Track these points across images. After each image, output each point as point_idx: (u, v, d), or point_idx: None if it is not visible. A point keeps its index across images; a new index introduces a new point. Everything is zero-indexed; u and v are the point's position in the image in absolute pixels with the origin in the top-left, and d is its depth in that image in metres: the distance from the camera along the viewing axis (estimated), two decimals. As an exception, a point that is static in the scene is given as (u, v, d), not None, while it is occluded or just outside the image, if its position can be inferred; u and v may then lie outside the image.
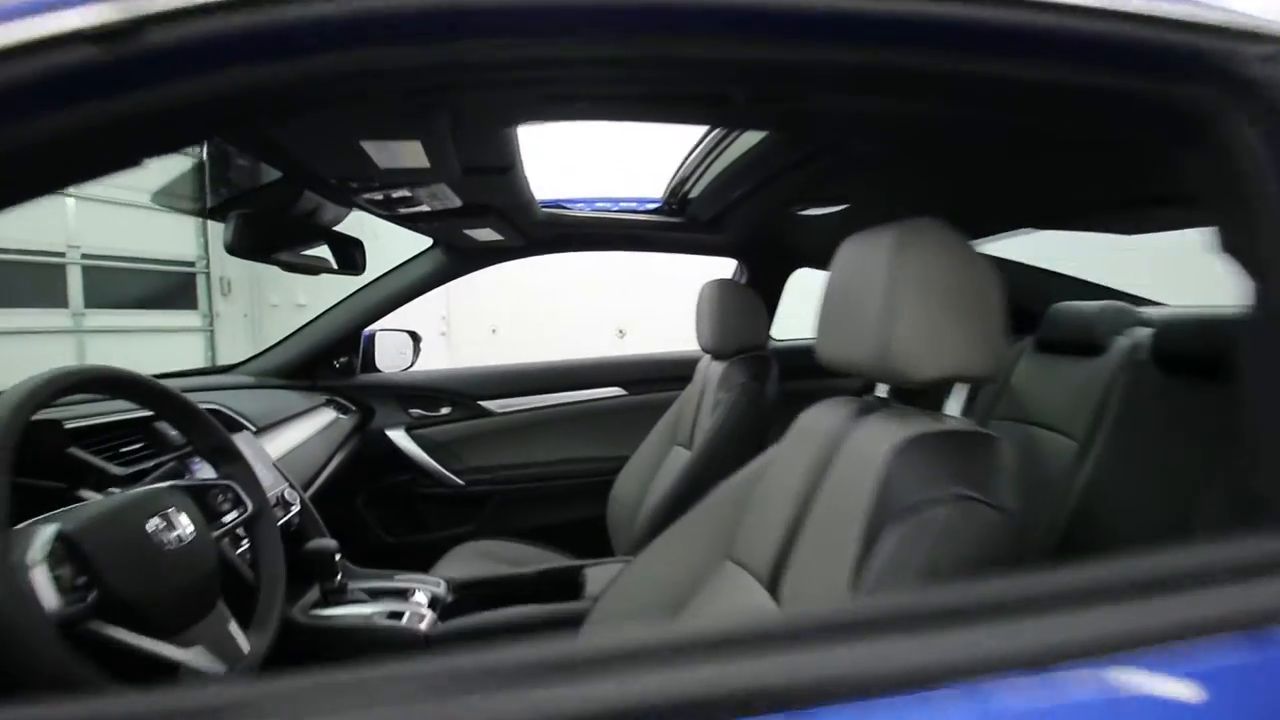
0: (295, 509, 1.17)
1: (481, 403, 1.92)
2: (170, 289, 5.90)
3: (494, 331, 5.75)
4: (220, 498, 0.80)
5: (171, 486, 0.73)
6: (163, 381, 0.76)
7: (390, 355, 1.95)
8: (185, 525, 0.70)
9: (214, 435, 0.82)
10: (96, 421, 0.92)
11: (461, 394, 1.91)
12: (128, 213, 5.44)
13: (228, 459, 0.85)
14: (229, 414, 1.21)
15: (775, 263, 1.84)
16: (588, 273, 5.58)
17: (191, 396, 1.24)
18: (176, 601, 0.65)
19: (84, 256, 5.10)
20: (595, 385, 1.97)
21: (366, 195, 0.99)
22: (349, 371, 1.84)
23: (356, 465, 1.77)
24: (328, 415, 1.67)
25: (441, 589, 1.20)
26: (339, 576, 1.10)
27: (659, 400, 1.85)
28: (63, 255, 4.94)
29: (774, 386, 1.40)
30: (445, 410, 1.91)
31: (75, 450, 0.83)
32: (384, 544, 1.87)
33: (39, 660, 0.49)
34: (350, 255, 1.18)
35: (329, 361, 1.81)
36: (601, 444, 1.97)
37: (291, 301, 5.98)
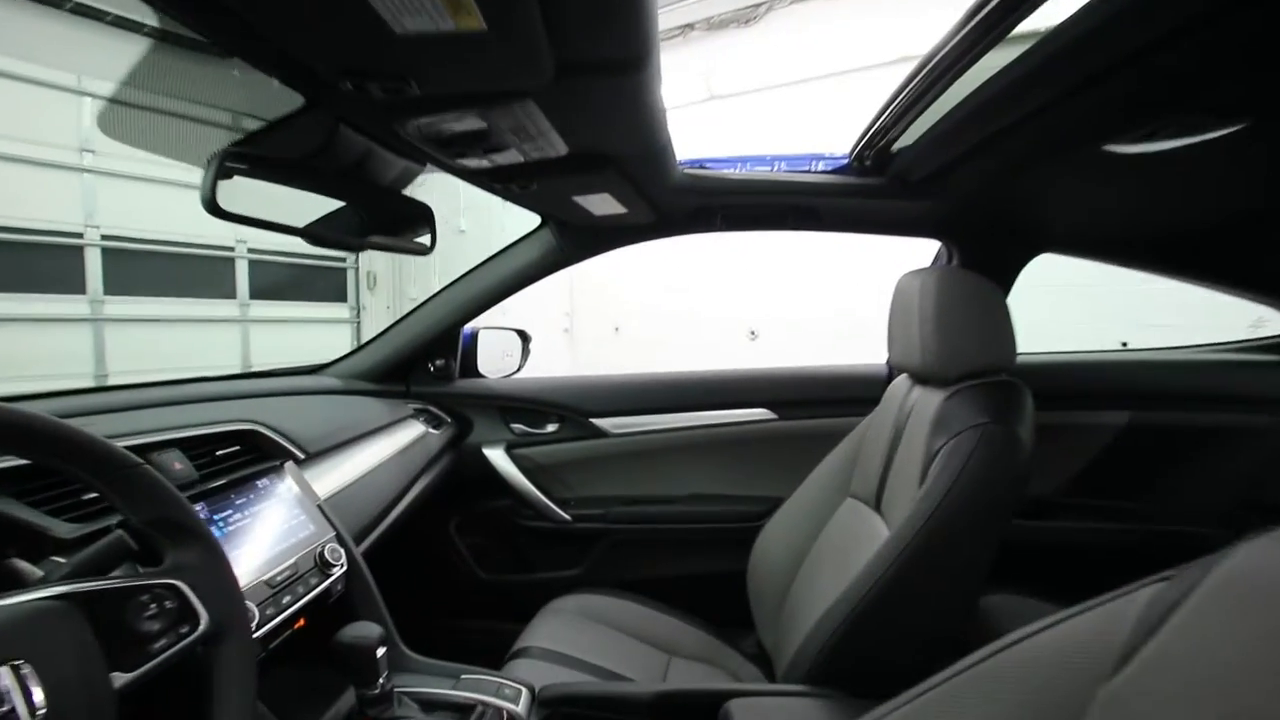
0: (339, 571, 0.87)
1: (595, 420, 1.56)
2: (324, 283, 6.26)
3: (617, 330, 5.48)
4: (151, 609, 0.49)
5: (27, 611, 0.41)
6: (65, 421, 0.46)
7: (494, 357, 1.65)
8: (32, 694, 0.38)
9: (156, 499, 0.51)
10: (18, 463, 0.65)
11: (571, 409, 1.56)
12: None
13: (181, 540, 0.53)
14: (270, 436, 0.94)
15: (1009, 246, 1.29)
16: (718, 268, 5.15)
17: (234, 404, 1.00)
18: None
19: (250, 251, 5.50)
20: (737, 405, 1.54)
21: (424, 121, 0.64)
22: (446, 376, 1.56)
23: (450, 485, 1.49)
24: (415, 430, 1.39)
25: (522, 705, 0.84)
26: (381, 679, 0.77)
27: (824, 429, 1.38)
28: (232, 250, 5.35)
29: (1029, 427, 0.90)
30: (552, 427, 1.58)
31: None
32: (477, 580, 1.57)
33: None
34: (410, 221, 0.85)
35: (424, 364, 1.54)
36: (744, 481, 1.53)
37: (428, 294, 6.14)
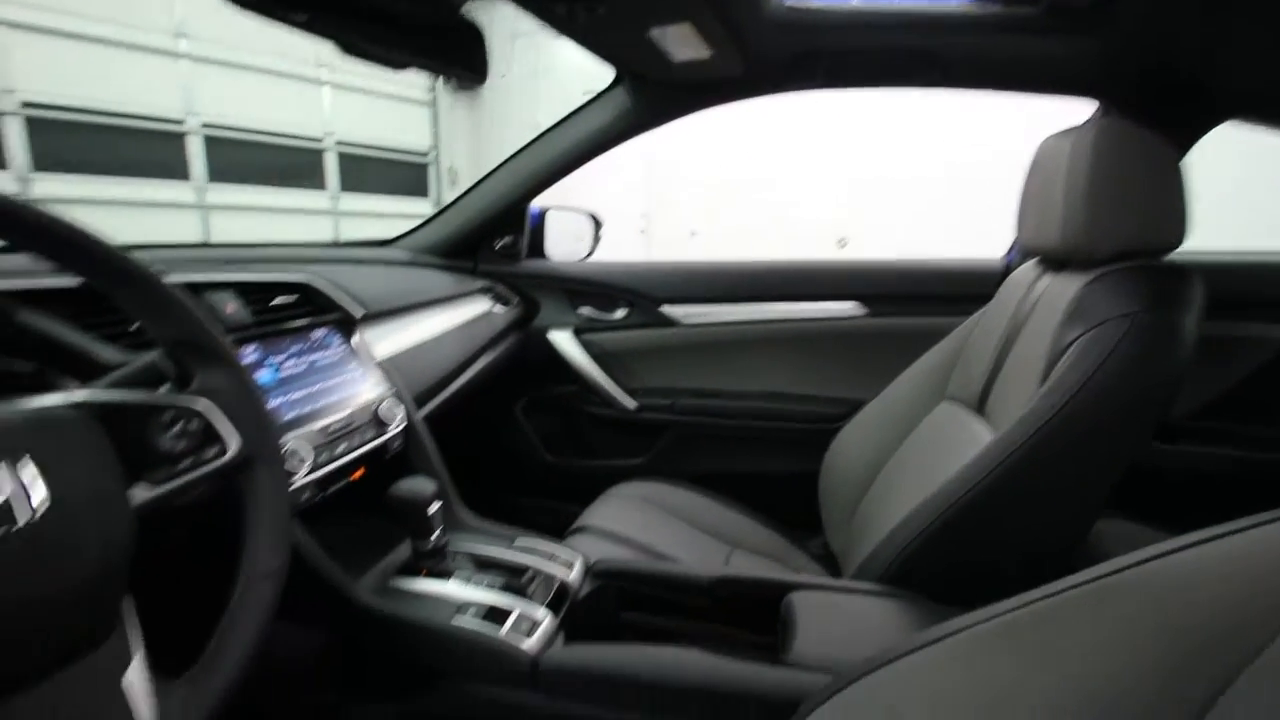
0: (396, 428, 0.85)
1: (665, 309, 1.46)
2: (407, 177, 6.32)
3: (693, 234, 5.27)
4: (174, 429, 0.46)
5: (30, 414, 0.38)
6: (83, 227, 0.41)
7: (563, 240, 1.57)
8: (30, 489, 0.35)
9: (171, 316, 0.47)
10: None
11: (641, 294, 1.47)
12: (376, 104, 5.83)
13: (205, 362, 0.50)
14: (326, 291, 0.91)
15: (1186, 107, 1.04)
16: (805, 168, 4.77)
17: (296, 266, 0.98)
18: None
19: (338, 144, 5.59)
20: (823, 297, 1.40)
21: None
22: (513, 255, 1.50)
23: (517, 366, 1.46)
24: (481, 305, 1.36)
25: (575, 574, 0.81)
26: (436, 534, 0.76)
27: (920, 329, 1.24)
28: (321, 141, 5.44)
29: (1194, 322, 0.73)
30: (621, 313, 1.50)
31: (28, 318, 0.54)
32: (543, 462, 1.58)
33: None
34: (460, 44, 0.74)
35: (491, 241, 1.48)
36: (824, 381, 1.42)
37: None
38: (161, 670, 0.40)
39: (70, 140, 3.92)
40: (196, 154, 4.63)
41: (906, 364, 1.14)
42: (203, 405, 0.48)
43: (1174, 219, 0.78)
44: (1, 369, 0.53)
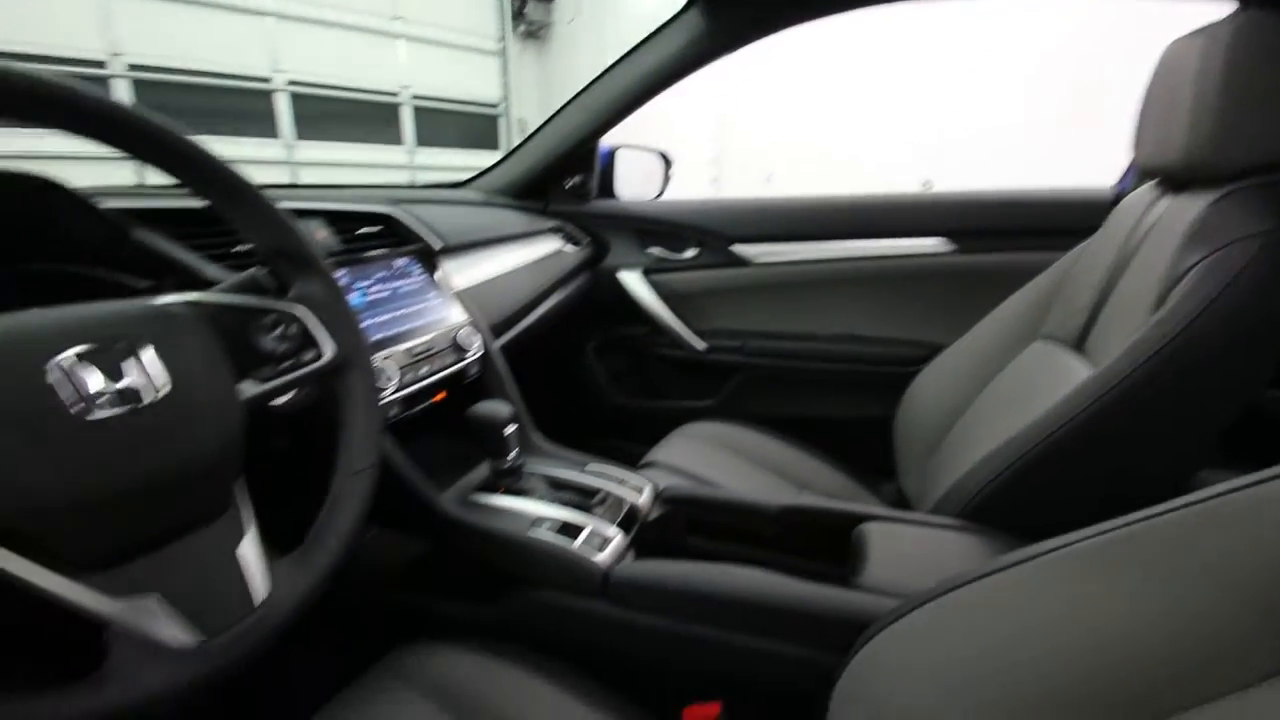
0: (473, 355, 0.88)
1: (737, 248, 1.43)
2: (478, 130, 6.39)
3: (769, 180, 5.08)
4: (276, 331, 0.49)
5: (151, 307, 0.42)
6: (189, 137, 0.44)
7: (633, 179, 1.55)
8: (152, 374, 0.39)
9: (272, 227, 0.50)
10: (189, 204, 0.68)
11: (712, 233, 1.44)
12: (447, 55, 5.88)
13: (301, 271, 0.53)
14: (408, 223, 0.94)
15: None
16: (886, 114, 4.47)
17: (380, 203, 1.01)
18: (103, 515, 0.35)
19: (414, 97, 5.70)
20: (906, 233, 1.33)
21: None
22: (583, 195, 1.50)
23: (587, 307, 1.48)
24: (552, 243, 1.37)
25: (645, 498, 0.83)
26: (512, 454, 0.79)
27: (1013, 265, 1.15)
28: (396, 96, 5.56)
29: None
30: (691, 253, 1.48)
31: (144, 236, 0.58)
32: (611, 403, 1.61)
33: None
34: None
35: (561, 181, 1.48)
36: (903, 323, 1.36)
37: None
38: (272, 549, 0.45)
39: (171, 99, 4.18)
40: (284, 110, 4.84)
41: (995, 304, 1.07)
42: (300, 311, 0.51)
43: None
44: (120, 283, 0.58)
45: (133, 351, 0.38)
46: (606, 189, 1.52)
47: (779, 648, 0.63)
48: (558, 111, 1.39)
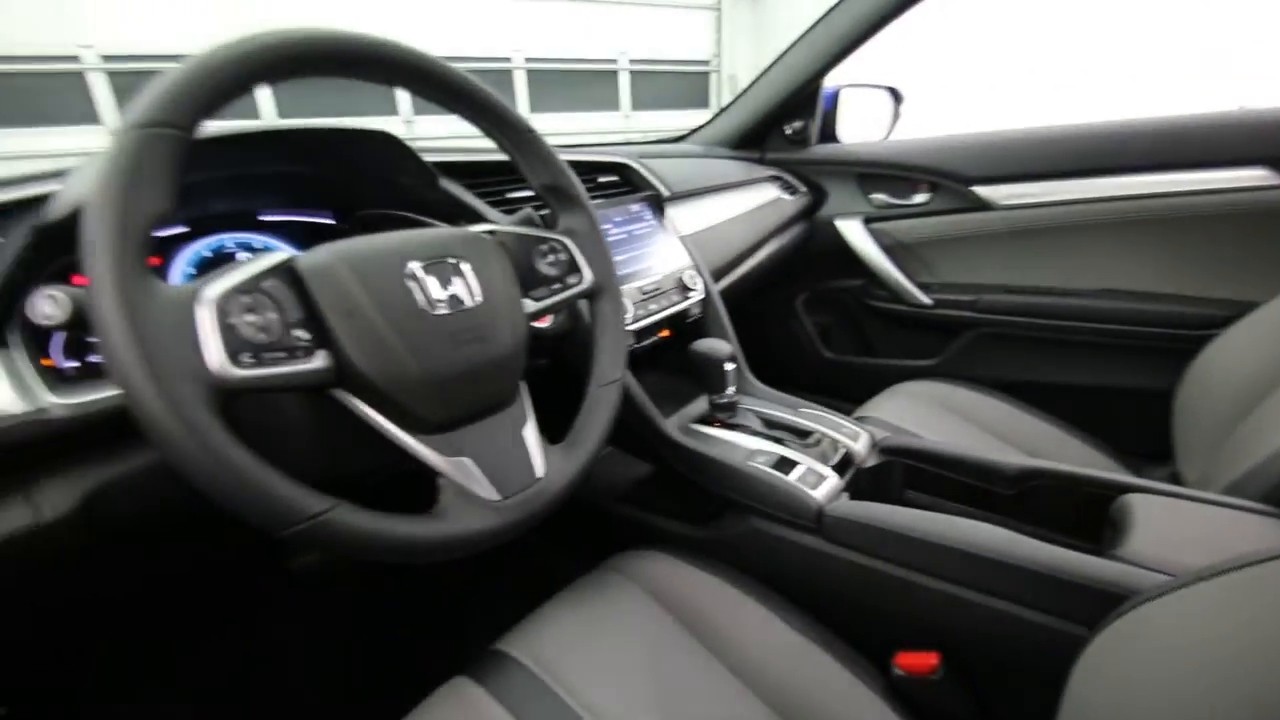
0: (696, 296, 0.93)
1: (978, 189, 1.28)
2: (690, 90, 6.44)
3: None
4: (549, 258, 0.57)
5: (468, 233, 0.52)
6: (470, 76, 0.53)
7: (857, 120, 1.47)
8: (470, 285, 0.48)
9: (549, 167, 0.58)
10: (476, 159, 0.80)
11: (948, 174, 1.31)
12: (660, 15, 5.98)
13: (568, 206, 0.60)
14: (640, 171, 1.00)
15: None
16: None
17: (604, 153, 1.09)
18: (436, 389, 0.45)
19: (631, 62, 5.92)
20: (1207, 164, 1.08)
21: None
22: (803, 141, 1.45)
23: (801, 258, 1.45)
24: (769, 192, 1.36)
25: (861, 445, 0.82)
26: (730, 391, 0.83)
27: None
28: (615, 62, 5.82)
29: None
30: (921, 198, 1.36)
31: (447, 184, 0.71)
32: (820, 359, 1.57)
33: (169, 442, 0.33)
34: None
35: (780, 128, 1.45)
36: (1196, 274, 1.12)
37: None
38: (548, 436, 0.54)
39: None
40: (520, 88, 5.36)
41: None
42: (567, 242, 0.59)
43: None
44: (427, 224, 0.72)
45: (457, 267, 0.48)
46: (829, 133, 1.46)
47: (1013, 609, 0.59)
48: (778, 58, 1.36)
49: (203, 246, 0.62)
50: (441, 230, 0.51)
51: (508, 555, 0.54)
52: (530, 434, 0.52)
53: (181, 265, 0.60)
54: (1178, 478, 0.95)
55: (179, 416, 0.33)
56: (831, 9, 1.24)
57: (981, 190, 1.27)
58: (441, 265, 0.47)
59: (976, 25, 4.55)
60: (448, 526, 0.45)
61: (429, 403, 0.45)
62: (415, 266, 0.46)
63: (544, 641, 0.60)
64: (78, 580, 0.59)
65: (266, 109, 4.26)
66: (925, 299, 1.37)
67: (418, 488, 0.49)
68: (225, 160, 0.57)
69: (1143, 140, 1.13)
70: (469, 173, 0.78)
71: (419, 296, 0.46)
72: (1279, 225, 1.05)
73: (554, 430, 0.56)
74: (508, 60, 5.24)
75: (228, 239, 0.64)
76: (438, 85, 0.50)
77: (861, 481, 0.79)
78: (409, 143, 0.65)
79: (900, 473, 0.82)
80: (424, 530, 0.44)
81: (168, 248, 0.60)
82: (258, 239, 0.66)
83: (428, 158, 0.70)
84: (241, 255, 0.64)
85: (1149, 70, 3.74)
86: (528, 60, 5.29)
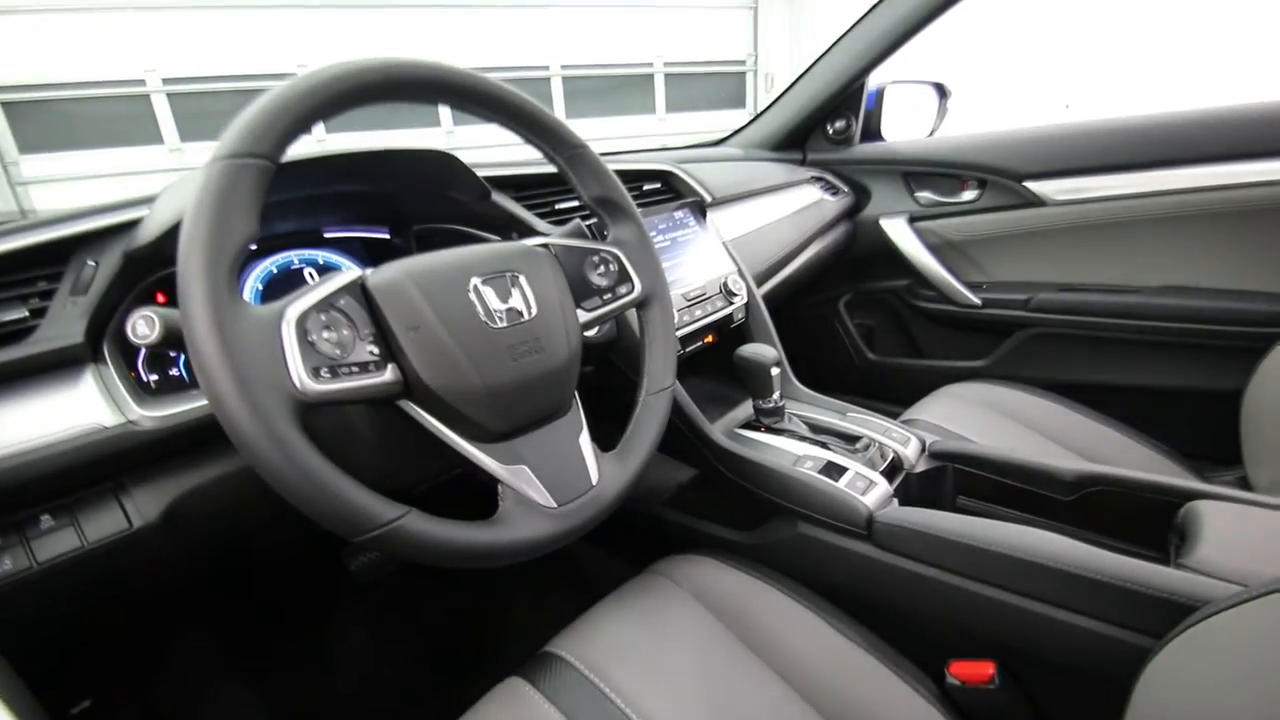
0: (740, 301, 0.93)
1: (1031, 184, 1.24)
2: (725, 90, 6.41)
3: (1067, 107, 4.23)
4: (600, 269, 0.59)
5: (524, 246, 0.54)
6: (522, 96, 0.55)
7: (902, 117, 1.44)
8: (527, 297, 0.50)
9: (600, 180, 0.59)
10: (525, 172, 0.82)
11: (999, 170, 1.27)
12: (694, 16, 5.97)
13: (618, 218, 0.62)
14: (684, 177, 1.01)
15: None
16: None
17: (646, 160, 1.10)
18: (497, 399, 0.47)
19: (666, 65, 5.93)
20: (1271, 153, 1.02)
21: None
22: (846, 140, 1.44)
23: (844, 259, 1.44)
24: (811, 194, 1.35)
25: (911, 450, 0.81)
26: (775, 395, 0.83)
27: None
28: (651, 66, 5.85)
29: None
30: (969, 196, 1.33)
31: (499, 197, 0.74)
32: (864, 361, 1.55)
33: (257, 453, 0.35)
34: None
35: (822, 128, 1.44)
36: (1259, 271, 1.07)
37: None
38: (600, 444, 0.55)
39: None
40: (557, 95, 5.43)
41: None
42: (618, 252, 0.60)
43: None
44: (480, 237, 0.74)
45: (516, 280, 0.50)
46: (873, 132, 1.44)
47: (1072, 619, 0.58)
48: (820, 57, 1.34)
49: (271, 264, 0.65)
50: (499, 245, 0.53)
51: (557, 559, 0.55)
52: (585, 442, 0.53)
53: (252, 283, 0.64)
54: (1246, 483, 0.91)
55: (267, 428, 0.36)
56: (874, 6, 1.22)
57: (1034, 185, 1.24)
58: (500, 279, 0.49)
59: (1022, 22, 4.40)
60: (509, 533, 0.46)
61: (490, 413, 0.47)
62: (476, 281, 0.48)
63: (594, 644, 0.62)
64: (157, 580, 0.63)
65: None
66: (974, 298, 1.33)
67: (473, 495, 0.51)
68: (297, 183, 0.60)
69: (1204, 130, 1.08)
70: (517, 185, 0.80)
71: (480, 310, 0.47)
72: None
73: (601, 435, 0.58)
74: (545, 69, 5.31)
75: (294, 256, 0.67)
76: (494, 106, 0.52)
77: (911, 487, 0.78)
78: (463, 159, 0.68)
79: (951, 478, 0.80)
80: (487, 536, 0.46)
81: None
82: (321, 255, 0.69)
83: (480, 172, 0.72)
84: (308, 271, 0.67)
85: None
86: (564, 68, 5.35)
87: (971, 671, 0.62)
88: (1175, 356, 1.16)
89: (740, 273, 0.96)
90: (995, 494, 0.78)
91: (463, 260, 0.49)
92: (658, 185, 0.99)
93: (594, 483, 0.52)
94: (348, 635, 1.09)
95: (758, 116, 1.49)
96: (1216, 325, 1.10)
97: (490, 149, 0.87)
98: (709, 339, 0.91)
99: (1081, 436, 1.02)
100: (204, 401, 0.49)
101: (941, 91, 1.45)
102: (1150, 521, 0.67)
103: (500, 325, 0.48)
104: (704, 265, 0.92)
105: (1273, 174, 1.04)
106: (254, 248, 0.65)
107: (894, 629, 0.68)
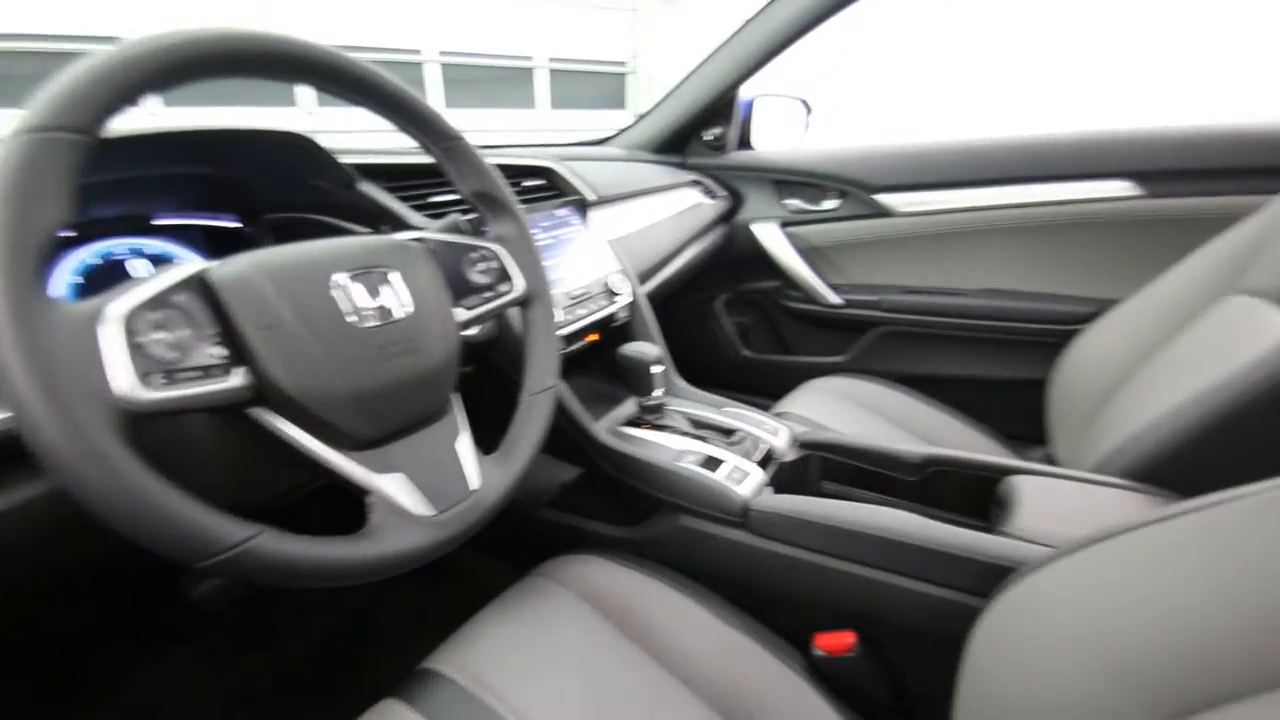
0: (623, 300, 0.94)
1: (881, 197, 1.37)
2: (609, 91, 6.46)
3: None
4: (479, 266, 0.57)
5: (397, 240, 0.51)
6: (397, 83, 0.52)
7: (772, 128, 1.53)
8: (400, 295, 0.48)
9: (480, 174, 0.57)
10: (398, 161, 0.78)
11: (855, 182, 1.39)
12: (575, 15, 5.95)
13: (499, 213, 0.60)
14: (565, 175, 1.01)
15: None
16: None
17: (528, 155, 1.08)
18: (366, 403, 0.44)
19: (551, 60, 5.87)
20: (1082, 176, 1.21)
21: None
22: (721, 147, 1.50)
23: (720, 261, 1.50)
24: (691, 197, 1.40)
25: (782, 441, 0.86)
26: (657, 393, 0.85)
27: (1210, 211, 1.02)
28: (530, 60, 5.75)
29: None
30: (830, 204, 1.45)
31: (366, 187, 0.69)
32: (739, 358, 1.63)
33: (73, 474, 0.30)
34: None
35: (700, 134, 1.50)
36: (1068, 275, 1.25)
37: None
38: (482, 446, 0.53)
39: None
40: (435, 83, 5.19)
41: (1183, 254, 0.96)
42: (498, 249, 0.59)
43: None
44: (345, 229, 0.69)
45: (385, 277, 0.47)
46: (746, 140, 1.52)
47: (917, 586, 0.64)
48: (697, 67, 1.40)
49: (89, 254, 0.57)
50: (369, 238, 0.50)
51: (436, 570, 0.53)
52: (465, 445, 0.52)
53: (65, 274, 0.55)
54: (1052, 459, 1.07)
55: (84, 444, 0.31)
56: (747, 22, 1.29)
57: (883, 198, 1.37)
58: (369, 275, 0.46)
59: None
60: (381, 546, 0.44)
61: (358, 418, 0.44)
62: (341, 277, 0.45)
63: (476, 655, 0.60)
64: None
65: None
66: (836, 299, 1.45)
67: (343, 508, 0.48)
68: (123, 162, 0.53)
69: (1022, 154, 1.26)
70: (389, 175, 0.76)
71: (345, 307, 0.44)
72: (1138, 231, 1.20)
73: (482, 438, 0.56)
74: (416, 53, 5.06)
75: (118, 245, 0.59)
76: (362, 89, 0.49)
77: (783, 475, 0.84)
78: (325, 143, 0.63)
79: (818, 465, 0.87)
80: (356, 551, 0.43)
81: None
82: (152, 244, 0.61)
83: (345, 159, 0.67)
84: (134, 263, 0.59)
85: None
86: (443, 54, 5.13)
87: (834, 642, 0.67)
88: (995, 350, 1.33)
89: (625, 272, 0.98)
90: (854, 478, 0.85)
91: (324, 253, 0.45)
92: (540, 182, 0.98)
93: (475, 487, 0.50)
94: (198, 670, 0.97)
95: (640, 119, 1.52)
96: (1026, 323, 1.28)
97: (367, 135, 0.81)
98: (593, 338, 0.91)
99: (925, 423, 1.15)
100: (4, 414, 0.41)
101: (806, 107, 1.56)
102: (978, 495, 0.77)
103: (370, 324, 0.45)
104: (587, 264, 0.93)
105: (1073, 194, 1.23)
106: (72, 234, 0.56)
107: (769, 609, 0.72)
